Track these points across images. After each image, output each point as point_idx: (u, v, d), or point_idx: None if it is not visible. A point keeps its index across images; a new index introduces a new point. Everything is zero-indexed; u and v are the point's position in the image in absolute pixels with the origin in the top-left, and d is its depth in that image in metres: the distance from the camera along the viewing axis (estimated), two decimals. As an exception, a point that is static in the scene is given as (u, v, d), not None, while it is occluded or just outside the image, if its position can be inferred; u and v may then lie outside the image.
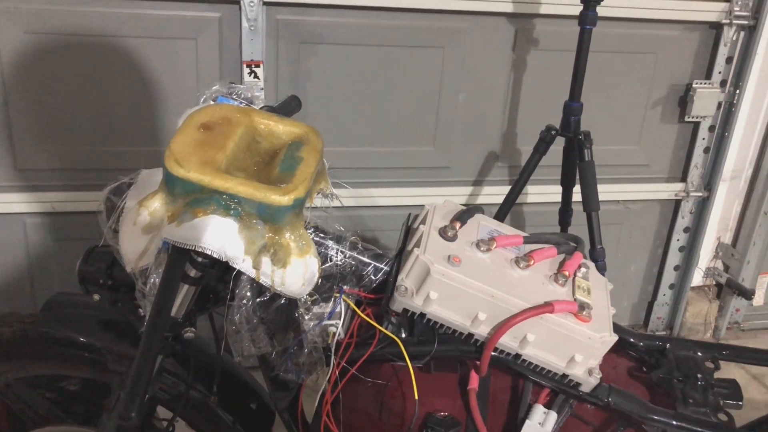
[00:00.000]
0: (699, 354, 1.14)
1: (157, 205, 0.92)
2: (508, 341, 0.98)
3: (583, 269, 1.06)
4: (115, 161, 2.04)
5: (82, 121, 1.99)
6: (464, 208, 1.10)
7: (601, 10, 1.81)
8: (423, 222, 1.06)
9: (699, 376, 1.08)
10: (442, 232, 1.02)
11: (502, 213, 2.06)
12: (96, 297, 1.13)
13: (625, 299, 2.78)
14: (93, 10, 1.88)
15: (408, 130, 2.25)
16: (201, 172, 0.89)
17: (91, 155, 2.03)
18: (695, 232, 2.65)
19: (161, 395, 1.22)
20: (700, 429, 1.01)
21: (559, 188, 2.07)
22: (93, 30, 1.90)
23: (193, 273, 0.97)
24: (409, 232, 1.11)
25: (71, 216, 2.07)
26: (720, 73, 2.42)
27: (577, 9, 1.82)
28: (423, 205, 1.12)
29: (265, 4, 1.95)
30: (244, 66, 1.99)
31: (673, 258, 2.70)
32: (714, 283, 2.86)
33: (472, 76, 2.23)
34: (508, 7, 2.14)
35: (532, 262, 1.02)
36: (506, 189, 2.10)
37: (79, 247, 1.18)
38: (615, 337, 0.98)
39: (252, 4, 1.93)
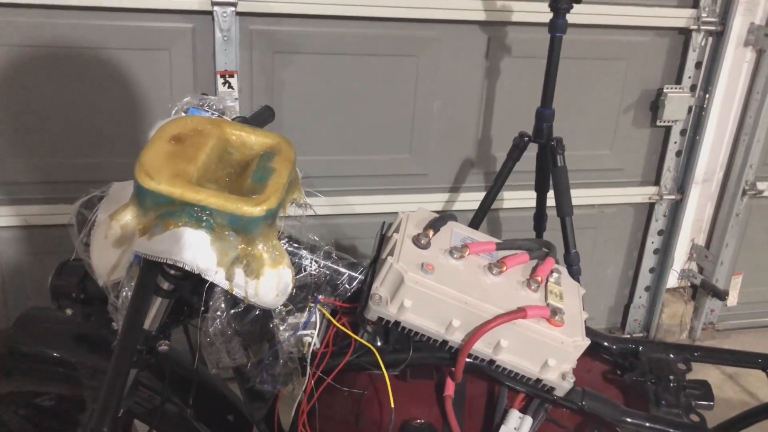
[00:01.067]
0: (671, 356, 1.16)
1: (128, 218, 0.92)
2: (482, 347, 0.99)
3: (555, 274, 1.07)
4: (91, 173, 2.02)
5: (56, 134, 1.97)
6: (437, 215, 1.11)
7: (571, 17, 1.83)
8: (397, 230, 1.07)
9: (671, 377, 1.10)
10: (416, 240, 1.03)
11: (477, 219, 2.07)
12: (69, 311, 1.12)
13: (602, 302, 2.81)
14: (65, 22, 1.87)
15: (384, 138, 2.26)
16: (172, 184, 0.89)
17: (65, 167, 2.01)
18: (669, 234, 2.69)
19: (137, 409, 1.21)
20: (672, 430, 1.02)
21: (533, 193, 2.09)
22: (66, 42, 1.89)
23: (165, 286, 0.97)
24: (383, 240, 1.11)
25: (45, 229, 2.05)
26: (690, 77, 2.46)
27: (547, 16, 1.84)
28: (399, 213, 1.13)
29: (238, 14, 1.95)
30: (218, 76, 1.98)
31: (649, 260, 2.74)
32: (689, 284, 2.90)
33: (446, 83, 2.25)
34: (481, 16, 2.16)
35: (505, 268, 1.03)
36: (481, 195, 2.12)
37: (53, 261, 1.17)
38: (587, 341, 0.99)
39: (225, 15, 1.93)
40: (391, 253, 1.01)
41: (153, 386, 1.21)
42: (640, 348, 1.17)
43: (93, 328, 1.19)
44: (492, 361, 1.00)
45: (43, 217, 2.03)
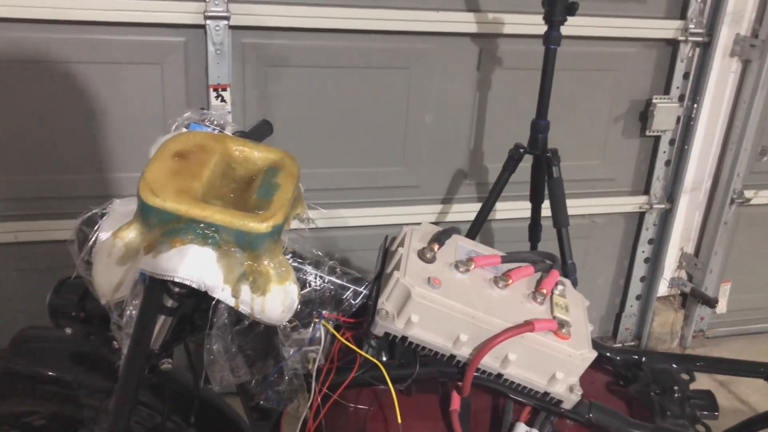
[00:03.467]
0: (674, 366, 1.16)
1: (132, 235, 0.91)
2: (489, 361, 0.98)
3: (560, 287, 1.07)
4: (81, 188, 2.00)
5: (46, 149, 1.96)
6: (441, 229, 1.10)
7: (562, 29, 1.85)
8: (401, 245, 1.06)
9: (675, 388, 1.10)
10: (421, 255, 1.03)
11: (473, 231, 2.07)
12: (68, 330, 1.10)
13: (594, 311, 2.82)
14: (56, 37, 1.86)
15: (376, 150, 2.26)
16: (177, 201, 0.88)
17: (55, 183, 1.99)
18: (659, 243, 2.71)
19: (137, 428, 1.19)
20: (679, 441, 1.02)
21: (527, 204, 2.10)
22: (57, 57, 1.88)
23: (169, 303, 0.95)
24: (387, 254, 1.11)
25: (35, 245, 2.02)
26: (678, 88, 2.49)
27: (539, 29, 1.86)
28: (394, 225, 1.13)
29: (230, 28, 1.95)
30: (211, 90, 1.98)
31: (639, 269, 2.75)
32: (679, 292, 2.92)
33: (438, 95, 2.25)
34: (472, 28, 2.18)
35: (511, 281, 1.03)
36: (476, 206, 2.12)
37: (44, 277, 1.16)
38: (594, 354, 0.99)
39: (218, 28, 1.93)
40: (396, 268, 1.00)
41: (153, 405, 1.19)
42: (643, 359, 1.17)
43: (93, 348, 1.17)
44: (499, 375, 1.00)
45: (33, 234, 2.01)
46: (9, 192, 1.97)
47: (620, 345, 2.86)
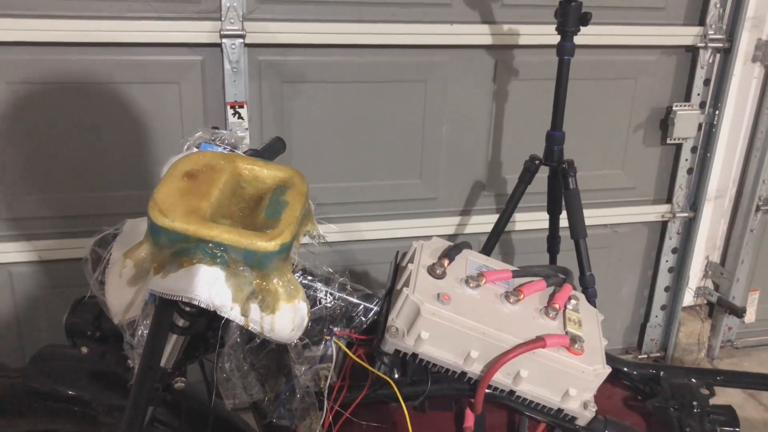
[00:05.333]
0: (693, 381, 1.14)
1: (142, 255, 0.92)
2: (501, 378, 0.97)
3: (573, 301, 1.06)
4: (104, 207, 2.03)
5: (68, 168, 1.99)
6: (452, 244, 1.10)
7: (578, 38, 1.84)
8: (411, 260, 1.06)
9: (695, 403, 1.07)
10: (431, 270, 1.02)
11: (490, 243, 2.06)
12: (84, 350, 1.12)
13: (618, 322, 2.78)
14: (76, 58, 1.89)
15: (393, 163, 2.26)
16: (186, 221, 0.89)
17: (78, 201, 2.02)
18: (683, 252, 2.66)
19: (153, 446, 1.20)
20: (699, 458, 1.00)
21: (545, 215, 2.08)
22: (77, 78, 1.91)
23: (181, 323, 0.96)
24: (397, 270, 1.10)
25: (58, 264, 2.06)
26: (699, 95, 2.46)
27: (554, 39, 1.85)
28: (411, 238, 1.12)
29: (246, 46, 1.97)
30: (228, 107, 2.00)
31: (663, 279, 2.71)
32: (705, 302, 2.87)
33: (454, 108, 2.25)
34: (487, 40, 2.17)
35: (522, 296, 1.02)
36: (493, 218, 2.11)
37: (66, 295, 1.17)
38: (608, 369, 0.97)
39: (234, 47, 1.95)
40: (406, 284, 1.00)
41: (169, 422, 1.20)
42: (661, 373, 1.15)
43: (108, 366, 1.18)
44: (512, 392, 0.99)
45: (56, 252, 2.04)
46: (31, 211, 2.00)
47: (645, 356, 2.81)
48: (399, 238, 2.29)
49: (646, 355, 2.81)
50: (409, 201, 2.32)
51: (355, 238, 2.29)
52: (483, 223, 2.36)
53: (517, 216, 2.32)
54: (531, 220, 2.37)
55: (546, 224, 2.10)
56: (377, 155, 2.24)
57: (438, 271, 1.02)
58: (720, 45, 2.39)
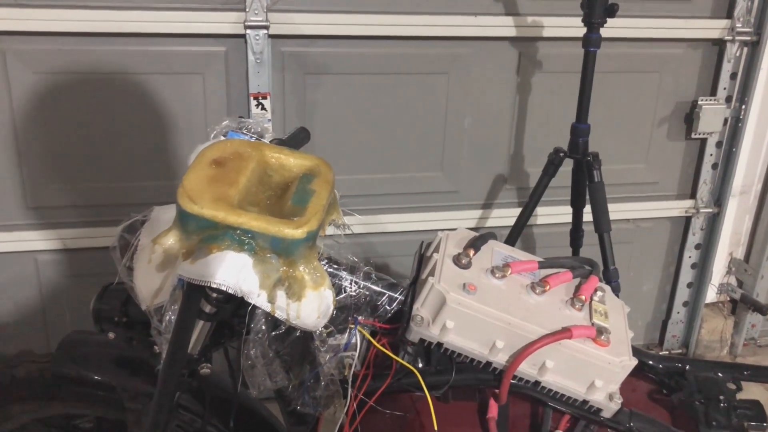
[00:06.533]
0: (720, 375, 1.13)
1: (171, 242, 0.92)
2: (526, 368, 0.97)
3: (599, 293, 1.05)
4: (127, 196, 2.05)
5: (92, 158, 2.01)
6: (477, 234, 1.10)
7: (604, 31, 1.82)
8: (436, 250, 1.06)
9: (721, 397, 1.06)
10: (456, 260, 1.02)
11: (513, 236, 2.05)
12: (111, 335, 1.13)
13: (639, 318, 2.76)
14: (100, 49, 1.91)
15: (415, 155, 2.26)
16: (214, 208, 0.89)
17: (102, 191, 2.04)
18: (707, 248, 2.63)
19: (177, 432, 1.22)
20: (725, 452, 0.99)
21: (568, 209, 2.07)
22: (101, 68, 1.93)
23: (208, 309, 0.97)
24: (422, 260, 1.10)
25: (83, 252, 2.08)
26: (725, 89, 2.42)
27: (579, 31, 1.83)
28: (432, 231, 1.12)
29: (270, 37, 1.97)
30: (252, 98, 2.00)
31: (686, 275, 2.68)
32: (728, 299, 2.84)
33: (477, 100, 2.24)
34: (511, 32, 2.16)
35: (548, 287, 1.01)
36: (515, 211, 2.10)
37: (91, 283, 1.19)
38: (634, 361, 0.97)
39: (258, 38, 1.95)
40: (432, 273, 1.00)
41: (194, 409, 1.21)
42: (687, 367, 1.14)
43: (135, 352, 1.20)
44: (537, 382, 0.99)
45: (81, 240, 2.06)
46: (57, 200, 2.03)
47: (666, 353, 2.79)
48: (419, 230, 2.29)
49: (667, 352, 2.79)
50: (430, 194, 2.32)
51: (376, 230, 2.29)
52: (504, 216, 2.35)
53: (540, 210, 2.31)
54: (553, 213, 2.36)
55: (568, 218, 2.09)
56: (399, 147, 2.23)
57: (463, 261, 1.02)
58: (748, 38, 2.35)
